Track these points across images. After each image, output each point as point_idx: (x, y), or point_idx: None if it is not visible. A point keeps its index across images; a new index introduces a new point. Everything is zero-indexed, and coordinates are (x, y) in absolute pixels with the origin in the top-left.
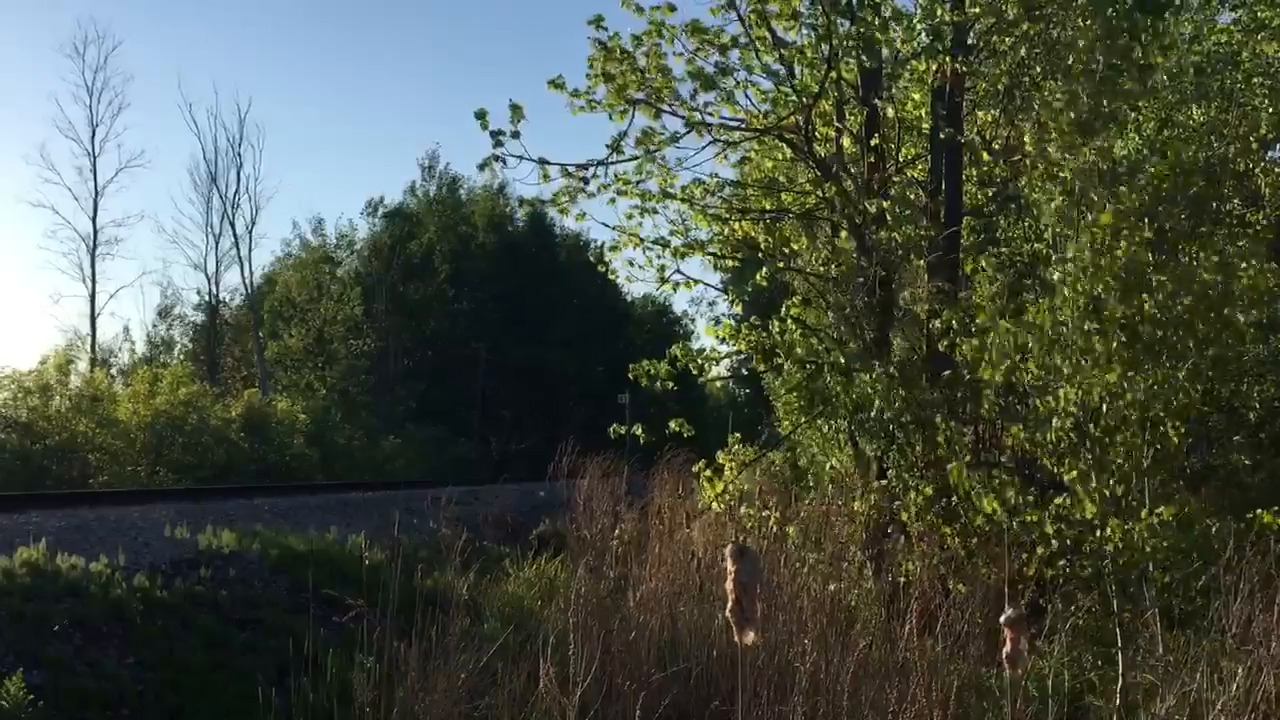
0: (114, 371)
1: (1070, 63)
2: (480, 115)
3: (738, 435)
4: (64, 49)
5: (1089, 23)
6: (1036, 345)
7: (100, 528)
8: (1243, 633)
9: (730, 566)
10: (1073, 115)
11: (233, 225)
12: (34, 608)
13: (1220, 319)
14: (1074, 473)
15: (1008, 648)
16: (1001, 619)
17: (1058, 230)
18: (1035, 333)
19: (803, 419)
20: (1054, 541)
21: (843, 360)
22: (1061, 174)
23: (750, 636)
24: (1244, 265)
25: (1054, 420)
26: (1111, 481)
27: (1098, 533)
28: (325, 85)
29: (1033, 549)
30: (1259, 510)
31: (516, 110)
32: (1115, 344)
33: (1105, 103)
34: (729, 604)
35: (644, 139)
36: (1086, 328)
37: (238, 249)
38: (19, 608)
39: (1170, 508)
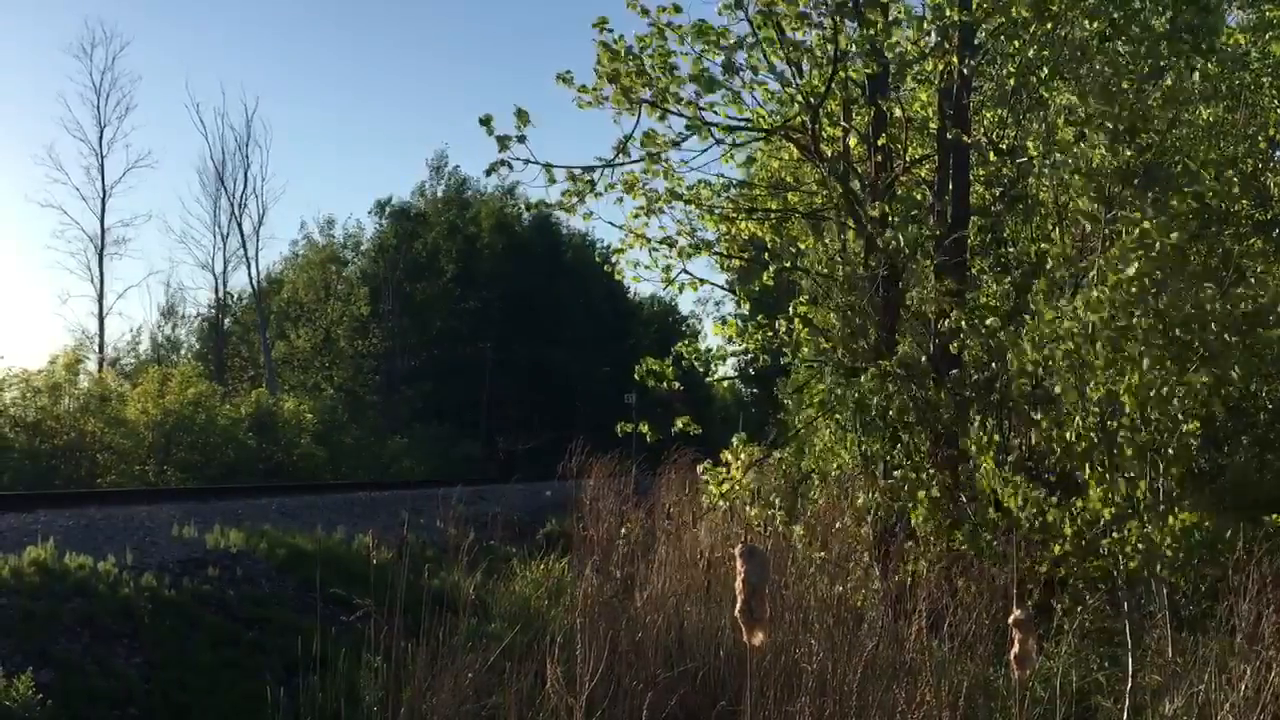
0: (122, 371)
1: (1100, 62)
2: (485, 121)
3: (743, 434)
4: (72, 49)
5: (1092, 24)
6: (1069, 344)
7: (108, 527)
8: (1251, 633)
9: (739, 567)
10: (1118, 116)
11: (240, 225)
12: (42, 606)
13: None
14: (1092, 472)
15: (1016, 649)
16: (1010, 620)
17: (1091, 231)
18: (1068, 332)
19: (811, 418)
20: (1068, 542)
21: (847, 360)
22: (1095, 166)
23: (759, 638)
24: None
25: (1075, 418)
26: (1126, 482)
27: (1113, 534)
28: (332, 84)
29: (1044, 547)
30: (1273, 515)
31: (522, 115)
32: (1144, 344)
33: (1145, 104)
34: (738, 605)
35: (647, 142)
36: (1116, 326)
37: (245, 249)
38: (27, 606)
39: (1190, 513)
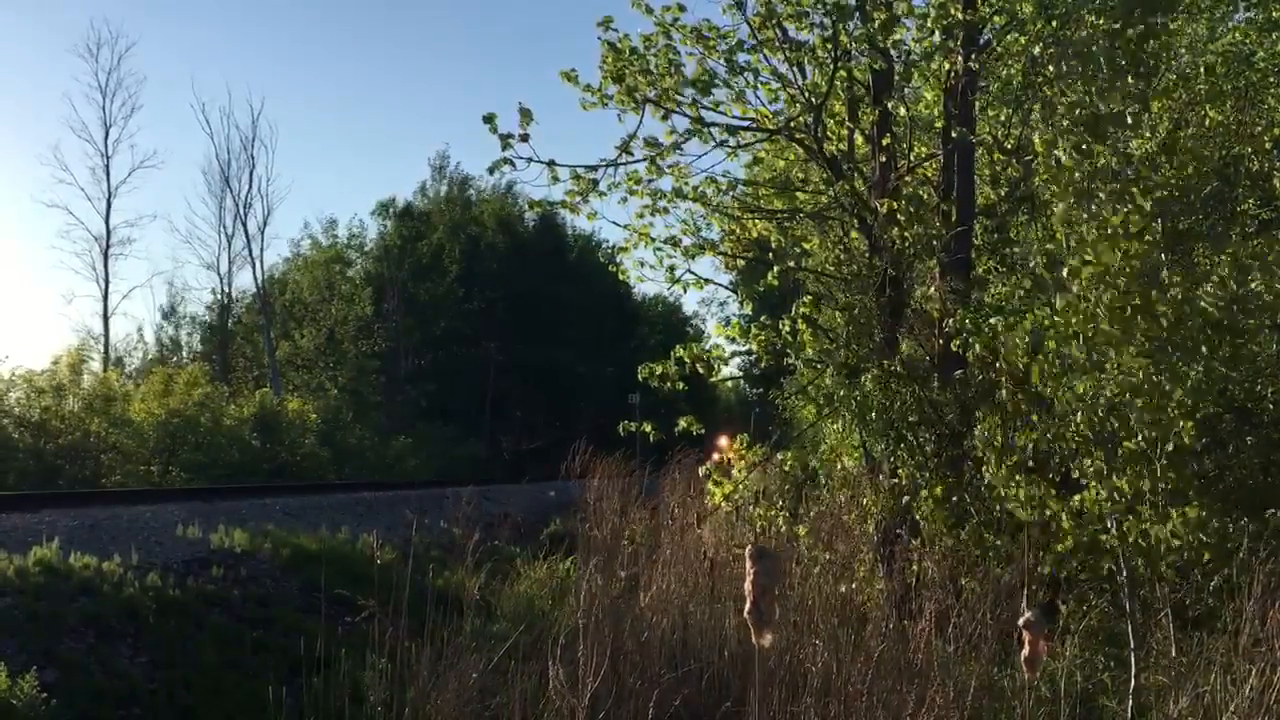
0: (127, 371)
1: (1078, 63)
2: (489, 119)
3: (745, 435)
4: (77, 50)
5: (1099, 20)
6: (1053, 339)
7: (113, 527)
8: (1257, 633)
9: (750, 568)
10: (1081, 114)
11: (245, 225)
12: (47, 606)
13: (1233, 323)
14: (1090, 470)
15: (1027, 651)
16: (1020, 622)
17: (1067, 232)
18: (1058, 325)
19: (815, 419)
20: (1070, 539)
21: (852, 360)
22: (1071, 174)
23: (768, 638)
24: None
25: (1075, 418)
26: (1125, 480)
27: (1112, 532)
28: (337, 85)
29: (1047, 547)
30: (1275, 511)
31: (525, 114)
32: (1129, 345)
33: (1113, 104)
34: (748, 605)
35: (650, 144)
36: (1103, 327)
37: (250, 249)
38: (32, 606)
39: (1194, 509)
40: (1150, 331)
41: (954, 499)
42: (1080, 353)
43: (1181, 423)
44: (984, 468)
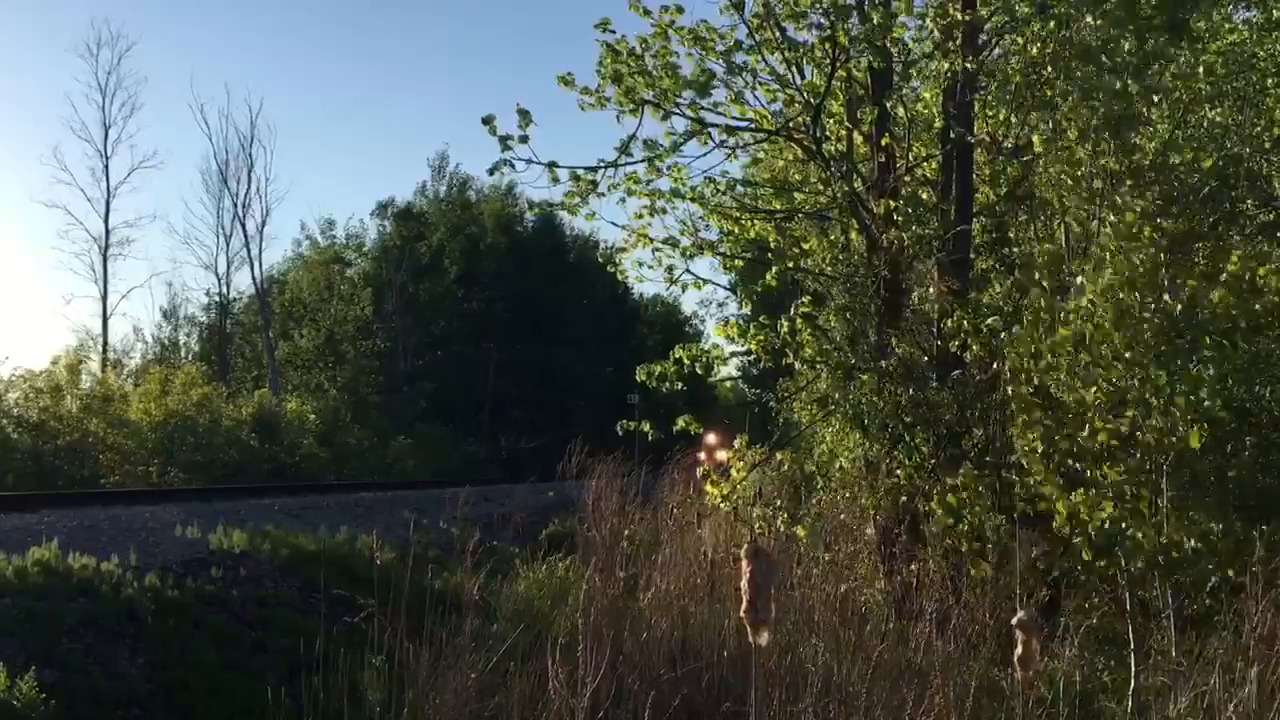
0: (126, 372)
1: (1091, 63)
2: (488, 120)
3: (745, 436)
4: (78, 50)
5: (1100, 21)
6: (1063, 341)
7: (111, 527)
8: (1264, 634)
9: (745, 567)
10: (1100, 113)
11: (243, 226)
12: (46, 607)
13: (1245, 320)
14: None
15: (1020, 650)
16: (1014, 621)
17: (1079, 232)
18: (1066, 328)
19: (813, 419)
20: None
21: (849, 361)
22: (1079, 173)
23: (764, 637)
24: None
25: (1087, 425)
26: (1139, 483)
27: (1125, 539)
28: (336, 85)
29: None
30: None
31: (524, 115)
32: (1139, 344)
33: (1130, 103)
34: (743, 605)
35: (649, 147)
36: (1108, 327)
37: (248, 249)
38: (31, 606)
39: (1224, 525)
40: (1157, 335)
41: (983, 488)
42: (1086, 357)
43: (1189, 427)
44: (1028, 463)
